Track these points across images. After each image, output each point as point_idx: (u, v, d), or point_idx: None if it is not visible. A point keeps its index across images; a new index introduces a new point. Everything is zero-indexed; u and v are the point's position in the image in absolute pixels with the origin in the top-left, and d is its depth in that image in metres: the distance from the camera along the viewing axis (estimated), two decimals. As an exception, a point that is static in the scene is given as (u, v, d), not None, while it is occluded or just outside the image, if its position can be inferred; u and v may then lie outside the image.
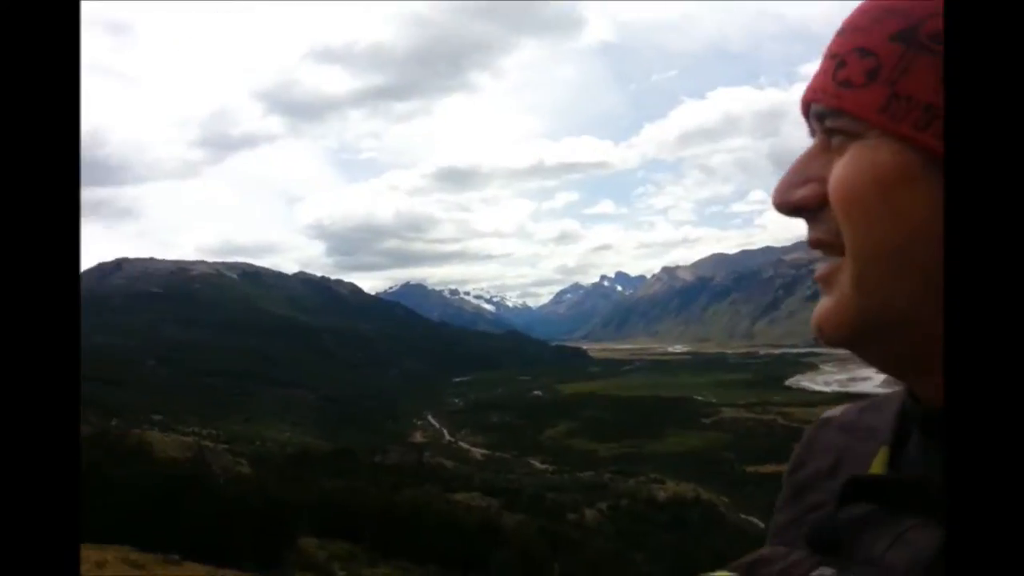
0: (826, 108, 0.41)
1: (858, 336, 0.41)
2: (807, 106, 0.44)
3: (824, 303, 0.42)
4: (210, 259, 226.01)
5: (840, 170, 0.40)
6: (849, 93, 0.40)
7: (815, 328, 0.42)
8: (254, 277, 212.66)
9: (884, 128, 0.39)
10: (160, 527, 12.39)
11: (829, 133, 0.42)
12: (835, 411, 0.54)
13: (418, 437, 78.73)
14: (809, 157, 0.43)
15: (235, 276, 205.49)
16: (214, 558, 11.67)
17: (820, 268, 0.42)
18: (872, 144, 0.39)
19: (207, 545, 12.25)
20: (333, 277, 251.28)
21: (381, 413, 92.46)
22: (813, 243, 0.42)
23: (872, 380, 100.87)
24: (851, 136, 0.40)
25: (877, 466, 0.45)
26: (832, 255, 0.41)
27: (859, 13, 0.43)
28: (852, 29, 0.42)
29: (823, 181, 0.41)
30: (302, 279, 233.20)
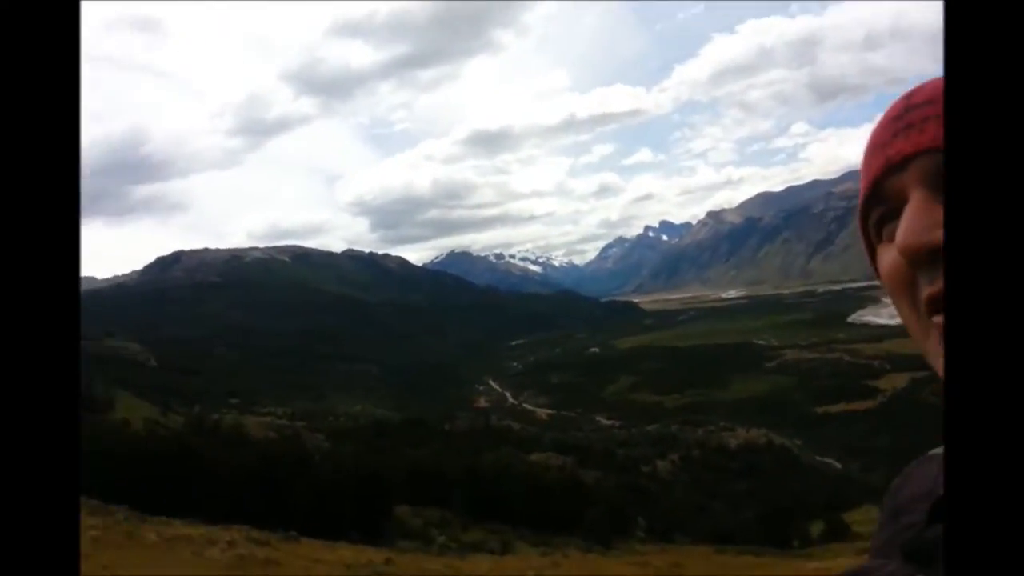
0: None
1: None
2: (902, 163, 0.45)
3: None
4: (262, 244, 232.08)
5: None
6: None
7: None
8: (305, 259, 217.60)
9: None
10: (271, 506, 13.04)
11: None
12: (937, 450, 0.55)
13: (482, 402, 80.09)
14: (928, 207, 0.43)
15: (287, 259, 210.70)
16: (324, 533, 12.22)
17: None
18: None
19: (315, 521, 12.85)
20: (380, 252, 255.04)
21: (443, 380, 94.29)
22: (936, 295, 0.42)
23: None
24: None
25: None
26: None
27: (942, 88, 0.43)
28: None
29: None
30: (350, 256, 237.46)
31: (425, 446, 29.88)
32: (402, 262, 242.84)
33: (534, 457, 30.76)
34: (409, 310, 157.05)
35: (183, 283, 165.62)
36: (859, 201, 0.47)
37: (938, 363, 0.41)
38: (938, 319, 0.42)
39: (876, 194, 0.47)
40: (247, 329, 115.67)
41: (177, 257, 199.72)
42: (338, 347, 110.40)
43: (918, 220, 0.43)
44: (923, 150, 0.44)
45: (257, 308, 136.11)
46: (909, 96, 0.47)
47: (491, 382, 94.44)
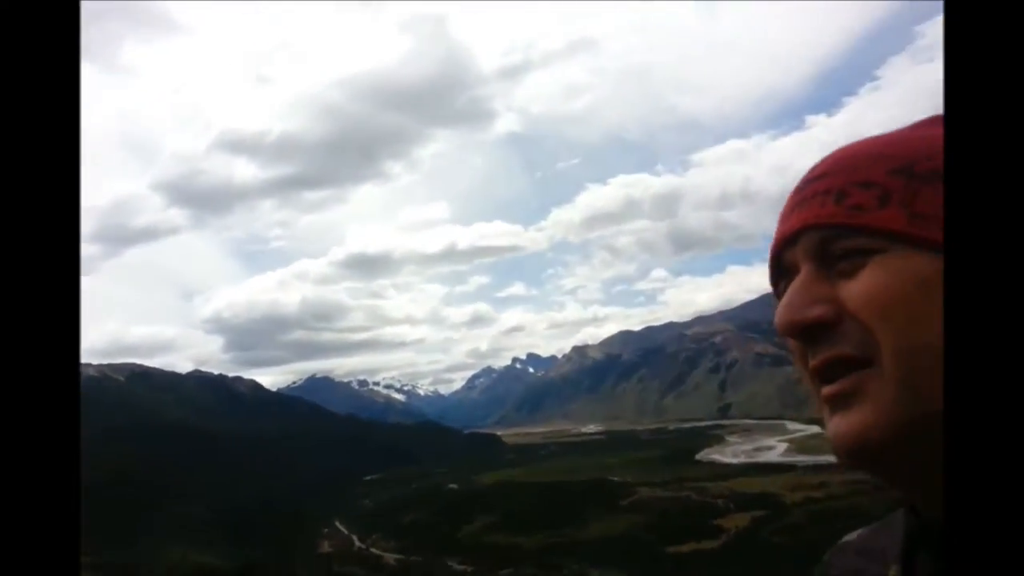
0: (842, 229, 0.45)
1: (906, 442, 0.42)
2: (790, 239, 0.48)
3: (857, 417, 0.43)
4: (96, 361, 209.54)
5: (869, 282, 0.43)
6: (867, 214, 0.44)
7: (854, 443, 0.43)
8: (143, 378, 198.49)
9: (915, 237, 0.43)
10: None
11: (831, 258, 0.45)
12: (852, 536, 0.57)
13: (326, 546, 73.59)
14: (808, 282, 0.46)
15: (122, 378, 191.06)
16: None
17: (838, 385, 0.44)
18: (902, 255, 0.43)
19: None
20: (231, 374, 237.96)
21: (285, 522, 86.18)
22: (834, 361, 0.44)
23: (776, 449, 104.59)
24: (867, 254, 0.44)
25: None
26: (851, 371, 0.43)
27: (839, 160, 0.48)
28: (840, 171, 0.47)
29: (834, 301, 0.44)
30: (196, 377, 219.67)
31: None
32: (255, 386, 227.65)
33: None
34: (256, 439, 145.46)
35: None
36: (769, 271, 0.50)
37: (829, 428, 0.44)
38: (825, 390, 0.45)
39: (777, 266, 0.49)
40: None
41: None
42: (168, 481, 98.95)
43: (796, 297, 0.45)
44: (809, 226, 0.46)
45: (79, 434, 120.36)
46: (813, 168, 0.49)
47: (338, 524, 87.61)
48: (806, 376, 0.47)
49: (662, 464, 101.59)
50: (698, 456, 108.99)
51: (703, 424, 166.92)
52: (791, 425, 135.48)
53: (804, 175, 0.50)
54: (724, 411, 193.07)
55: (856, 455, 0.43)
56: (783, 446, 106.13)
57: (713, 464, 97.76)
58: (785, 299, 0.46)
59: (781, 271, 0.49)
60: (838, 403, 0.44)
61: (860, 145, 0.49)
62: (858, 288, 0.43)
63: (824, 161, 0.49)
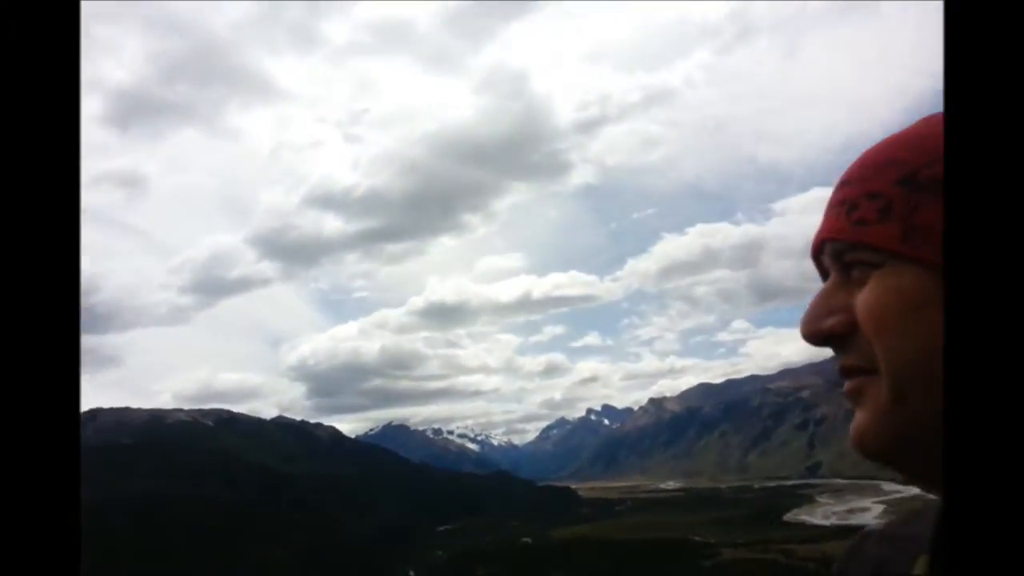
0: (846, 243, 0.48)
1: (899, 445, 0.46)
2: (819, 246, 0.51)
3: (860, 418, 0.48)
4: (187, 407, 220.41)
5: (867, 296, 0.46)
6: (867, 229, 0.47)
7: (856, 442, 0.49)
8: (230, 423, 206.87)
9: (905, 255, 0.45)
10: None
11: (847, 267, 0.48)
12: (878, 524, 0.60)
13: (399, 596, 73.05)
14: (829, 291, 0.49)
15: (211, 423, 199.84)
16: None
17: (847, 384, 0.48)
18: (895, 270, 0.46)
19: None
20: (312, 420, 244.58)
21: (360, 568, 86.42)
22: (844, 369, 0.48)
23: (871, 511, 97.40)
24: (871, 267, 0.47)
25: (918, 571, 0.48)
26: (859, 376, 0.48)
27: (859, 167, 0.51)
28: (856, 180, 0.49)
29: (849, 310, 0.47)
30: (280, 423, 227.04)
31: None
32: (334, 432, 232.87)
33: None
34: (334, 484, 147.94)
35: (92, 443, 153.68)
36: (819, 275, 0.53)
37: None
38: (847, 385, 0.49)
39: (819, 268, 0.52)
40: (153, 498, 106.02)
41: (93, 415, 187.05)
42: (249, 523, 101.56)
43: (815, 307, 0.48)
44: (826, 238, 0.49)
45: (168, 476, 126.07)
46: (844, 172, 0.52)
47: (411, 574, 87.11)
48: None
49: (747, 524, 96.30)
50: (786, 517, 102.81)
51: (790, 483, 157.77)
52: (886, 486, 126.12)
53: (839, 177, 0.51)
54: (813, 470, 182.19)
55: (861, 452, 0.48)
56: (879, 508, 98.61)
57: (802, 525, 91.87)
58: (808, 308, 0.48)
59: (822, 273, 0.52)
60: (852, 401, 0.49)
61: (879, 147, 0.51)
62: (861, 301, 0.47)
63: (851, 166, 0.51)
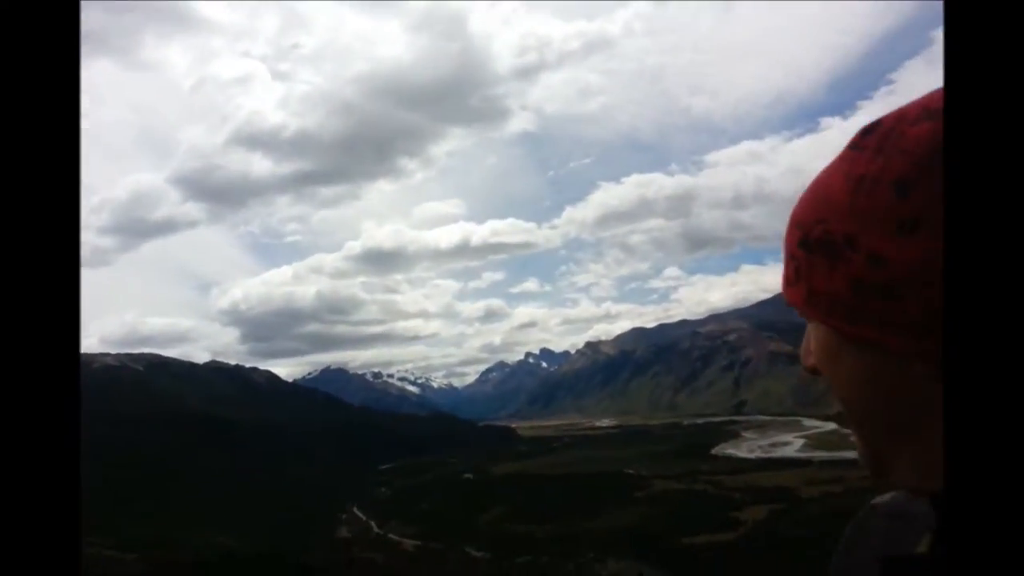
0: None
1: (879, 470, 0.51)
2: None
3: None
4: (114, 351, 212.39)
5: (812, 344, 0.53)
6: (789, 290, 0.53)
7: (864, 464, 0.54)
8: (161, 368, 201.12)
9: (809, 317, 0.51)
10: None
11: None
12: (883, 497, 0.62)
13: (344, 532, 74.39)
14: (809, 329, 0.54)
15: (141, 368, 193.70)
16: None
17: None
18: (814, 326, 0.52)
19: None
20: (248, 365, 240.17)
21: (303, 508, 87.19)
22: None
23: (792, 445, 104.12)
24: (807, 319, 0.53)
25: (922, 548, 0.51)
26: None
27: (788, 223, 0.54)
28: (785, 238, 0.53)
29: None
30: (214, 368, 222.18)
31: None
32: (271, 376, 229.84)
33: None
34: (273, 429, 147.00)
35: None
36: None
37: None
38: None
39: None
40: (85, 443, 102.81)
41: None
42: (187, 467, 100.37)
43: (804, 343, 0.54)
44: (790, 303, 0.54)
45: (100, 421, 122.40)
46: (793, 218, 0.54)
47: (356, 510, 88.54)
48: None
49: (677, 458, 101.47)
50: (713, 451, 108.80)
51: (718, 420, 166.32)
52: (807, 422, 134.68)
53: (789, 226, 0.54)
54: (738, 408, 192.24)
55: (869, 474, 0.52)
56: (800, 442, 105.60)
57: (729, 459, 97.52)
58: (802, 345, 0.54)
59: None
60: None
61: (797, 202, 0.53)
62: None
63: (789, 218, 0.53)
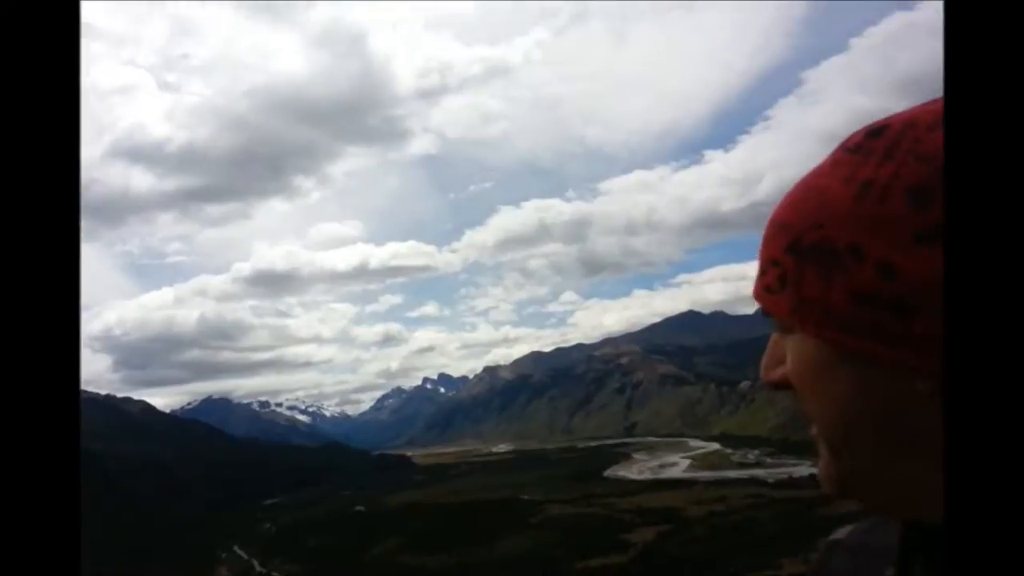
0: (761, 309, 0.49)
1: (846, 491, 0.47)
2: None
3: (820, 464, 0.49)
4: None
5: (788, 358, 0.48)
6: (771, 297, 0.48)
7: (832, 488, 0.49)
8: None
9: (796, 328, 0.47)
10: None
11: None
12: (842, 532, 0.58)
13: (224, 573, 69.69)
14: (774, 342, 0.50)
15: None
16: None
17: (810, 430, 0.49)
18: (799, 338, 0.47)
19: None
20: (120, 395, 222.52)
21: (179, 550, 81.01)
22: (805, 412, 0.48)
23: (679, 466, 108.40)
24: (786, 330, 0.48)
25: None
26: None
27: (767, 228, 0.50)
28: (764, 242, 0.49)
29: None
30: (83, 398, 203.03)
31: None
32: (145, 407, 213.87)
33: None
34: (147, 463, 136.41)
35: None
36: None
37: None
38: (812, 431, 0.48)
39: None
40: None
41: None
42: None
43: (765, 357, 0.50)
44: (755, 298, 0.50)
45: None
46: (774, 212, 0.50)
47: (236, 549, 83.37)
48: None
49: (571, 482, 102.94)
50: (606, 473, 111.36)
51: (610, 442, 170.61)
52: (693, 442, 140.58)
53: (768, 229, 0.50)
54: (630, 430, 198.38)
55: (830, 493, 0.48)
56: (686, 462, 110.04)
57: (620, 481, 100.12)
58: (764, 355, 0.50)
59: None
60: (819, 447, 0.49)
61: (778, 207, 0.49)
62: (787, 362, 0.48)
63: (766, 223, 0.50)
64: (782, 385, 0.48)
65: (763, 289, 0.48)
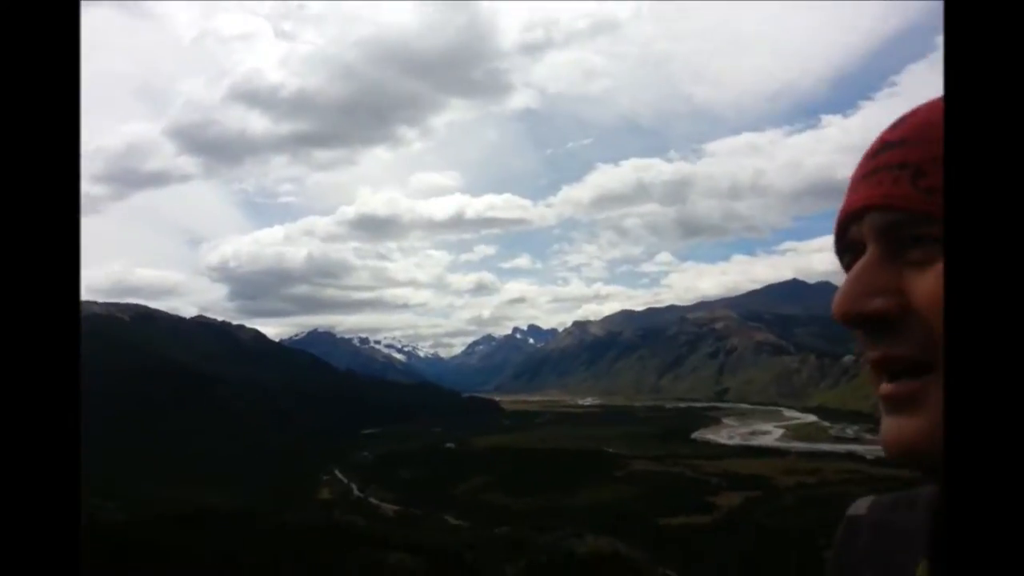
0: (909, 214, 0.39)
1: (916, 448, 0.39)
2: (855, 215, 0.42)
3: (906, 426, 0.39)
4: (101, 300, 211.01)
5: (940, 281, 0.38)
6: (919, 197, 0.39)
7: (901, 451, 0.39)
8: (148, 319, 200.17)
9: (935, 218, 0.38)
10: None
11: (901, 243, 0.40)
12: (861, 507, 0.52)
13: (325, 493, 74.95)
14: (873, 268, 0.40)
15: (127, 318, 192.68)
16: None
17: (894, 387, 0.39)
18: (938, 249, 0.38)
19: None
20: (235, 322, 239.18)
21: (285, 468, 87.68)
22: (884, 361, 0.39)
23: (771, 435, 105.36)
24: (892, 256, 0.40)
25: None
26: (910, 372, 0.39)
27: (919, 126, 0.41)
28: (920, 140, 0.40)
29: (901, 292, 0.39)
30: (200, 323, 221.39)
31: (249, 541, 27.06)
32: (257, 335, 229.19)
33: (378, 556, 28.77)
34: (256, 387, 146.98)
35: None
36: (834, 244, 0.44)
37: (882, 428, 0.40)
38: (882, 388, 0.39)
39: (842, 238, 0.43)
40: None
41: None
42: (167, 422, 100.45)
43: (857, 284, 0.40)
44: (877, 205, 0.40)
45: (83, 370, 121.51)
46: (891, 127, 0.42)
47: (337, 472, 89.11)
48: (865, 363, 0.42)
49: (657, 440, 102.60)
50: (693, 435, 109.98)
51: (699, 405, 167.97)
52: (788, 412, 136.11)
53: (880, 134, 0.43)
54: (720, 395, 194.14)
55: (904, 461, 0.40)
56: (779, 432, 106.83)
57: (708, 444, 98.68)
58: (845, 285, 0.41)
59: (846, 245, 0.44)
60: (893, 405, 0.40)
61: (937, 107, 0.41)
62: (928, 283, 0.39)
63: (904, 122, 0.43)
64: (874, 318, 0.40)
65: (923, 190, 0.40)
